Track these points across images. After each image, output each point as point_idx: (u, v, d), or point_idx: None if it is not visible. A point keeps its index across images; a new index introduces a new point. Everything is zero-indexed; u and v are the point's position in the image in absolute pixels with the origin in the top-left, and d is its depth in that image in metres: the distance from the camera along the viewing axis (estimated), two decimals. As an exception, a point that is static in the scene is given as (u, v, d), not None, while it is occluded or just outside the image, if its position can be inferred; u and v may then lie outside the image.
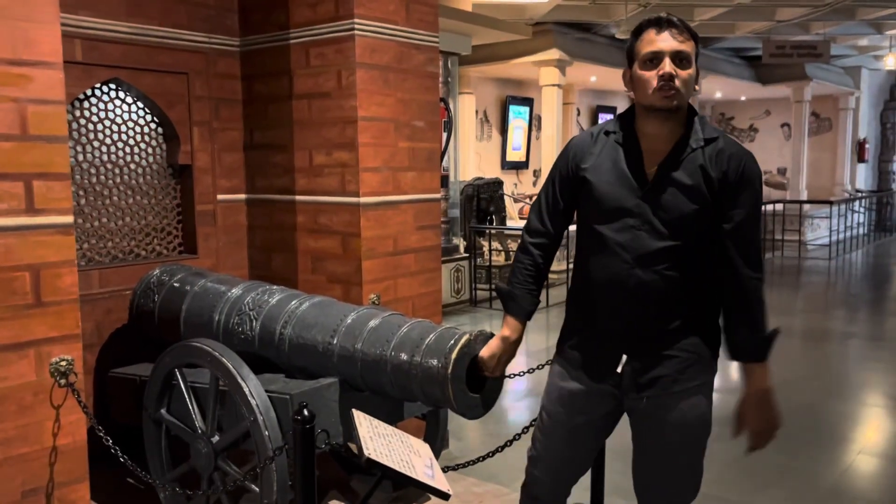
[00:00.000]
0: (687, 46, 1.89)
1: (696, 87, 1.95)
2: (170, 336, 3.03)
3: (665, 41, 1.87)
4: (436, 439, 3.07)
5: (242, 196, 3.91)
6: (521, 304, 2.13)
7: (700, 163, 1.91)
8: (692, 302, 1.97)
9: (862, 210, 15.36)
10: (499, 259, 9.30)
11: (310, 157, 3.63)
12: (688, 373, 2.00)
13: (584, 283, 2.06)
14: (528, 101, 12.69)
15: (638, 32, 1.94)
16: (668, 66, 1.86)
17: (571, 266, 2.24)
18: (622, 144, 1.98)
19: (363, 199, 3.46)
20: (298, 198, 3.69)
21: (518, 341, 2.17)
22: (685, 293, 1.95)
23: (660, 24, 1.89)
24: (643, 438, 2.08)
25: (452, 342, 2.41)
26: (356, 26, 3.37)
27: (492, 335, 2.33)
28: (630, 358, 1.99)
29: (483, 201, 9.58)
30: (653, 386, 1.99)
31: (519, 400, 5.21)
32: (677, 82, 1.86)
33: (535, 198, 2.19)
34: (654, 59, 1.88)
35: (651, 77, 1.88)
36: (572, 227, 2.18)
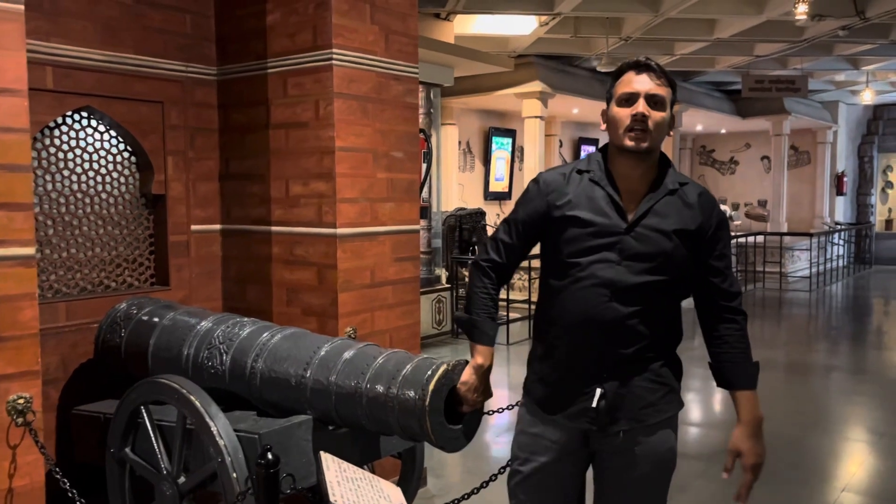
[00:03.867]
0: (662, 91, 1.96)
1: (671, 133, 2.03)
2: (137, 371, 2.93)
3: (641, 83, 1.96)
4: (412, 478, 2.98)
5: (217, 226, 3.84)
6: (485, 329, 2.13)
7: (683, 203, 2.00)
8: (662, 334, 2.03)
9: (841, 243, 15.49)
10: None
11: (286, 187, 3.57)
12: (660, 405, 2.03)
13: (555, 319, 2.05)
14: (510, 133, 12.75)
15: (618, 74, 2.02)
16: (641, 105, 1.94)
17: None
18: (598, 183, 2.02)
19: (340, 231, 3.40)
20: (274, 228, 3.62)
21: (491, 366, 2.16)
22: (657, 327, 2.00)
23: (639, 67, 1.98)
24: (615, 476, 2.07)
25: (430, 373, 2.33)
26: (334, 56, 3.34)
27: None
28: (604, 392, 1.98)
29: (465, 231, 9.56)
30: (628, 419, 2.00)
31: (500, 435, 5.11)
32: (650, 123, 1.94)
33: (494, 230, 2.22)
34: (630, 99, 1.96)
35: (625, 115, 1.95)
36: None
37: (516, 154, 12.92)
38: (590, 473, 2.16)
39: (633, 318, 1.95)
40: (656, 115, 1.95)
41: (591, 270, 1.96)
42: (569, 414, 2.02)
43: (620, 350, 1.97)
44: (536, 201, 2.08)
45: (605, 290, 1.95)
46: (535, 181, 2.12)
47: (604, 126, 2.06)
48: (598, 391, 1.97)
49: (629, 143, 1.95)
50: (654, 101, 1.95)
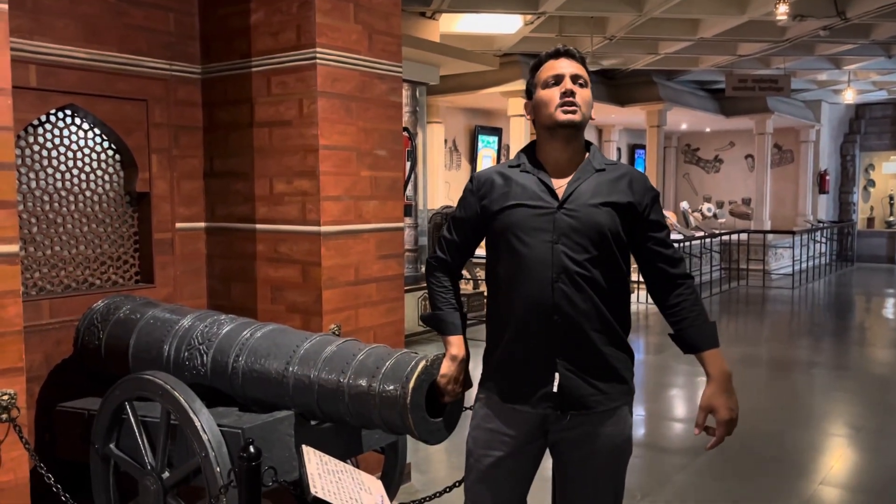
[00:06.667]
0: (583, 72, 2.09)
1: (593, 117, 2.12)
2: (118, 371, 2.94)
3: (564, 66, 2.07)
4: (394, 472, 3.01)
5: (202, 224, 3.85)
6: (453, 321, 2.21)
7: (612, 179, 2.08)
8: (609, 316, 2.06)
9: (823, 240, 15.64)
10: (467, 287, 9.28)
11: (270, 185, 3.59)
12: (612, 394, 2.07)
13: (505, 308, 2.10)
14: (496, 131, 12.80)
15: (538, 65, 2.13)
16: (569, 84, 2.04)
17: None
18: (529, 171, 2.11)
19: (324, 228, 3.43)
20: (258, 226, 3.64)
21: (467, 356, 2.23)
22: (603, 305, 2.04)
23: (558, 53, 2.10)
24: (574, 468, 2.11)
25: (410, 368, 2.38)
26: (318, 55, 3.36)
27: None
28: (560, 377, 2.02)
29: (451, 230, 9.58)
30: (578, 406, 2.04)
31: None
32: (578, 98, 2.03)
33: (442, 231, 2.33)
34: (556, 80, 2.06)
35: (554, 94, 2.04)
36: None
37: (503, 152, 12.97)
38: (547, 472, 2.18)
39: (578, 296, 2.00)
40: (583, 92, 2.06)
41: (532, 254, 2.02)
42: (530, 401, 2.05)
43: (570, 331, 2.00)
44: (470, 199, 2.18)
45: (547, 271, 2.00)
46: (470, 181, 2.23)
47: (530, 117, 2.14)
48: (557, 376, 2.02)
49: (562, 116, 2.02)
50: (578, 80, 2.06)
